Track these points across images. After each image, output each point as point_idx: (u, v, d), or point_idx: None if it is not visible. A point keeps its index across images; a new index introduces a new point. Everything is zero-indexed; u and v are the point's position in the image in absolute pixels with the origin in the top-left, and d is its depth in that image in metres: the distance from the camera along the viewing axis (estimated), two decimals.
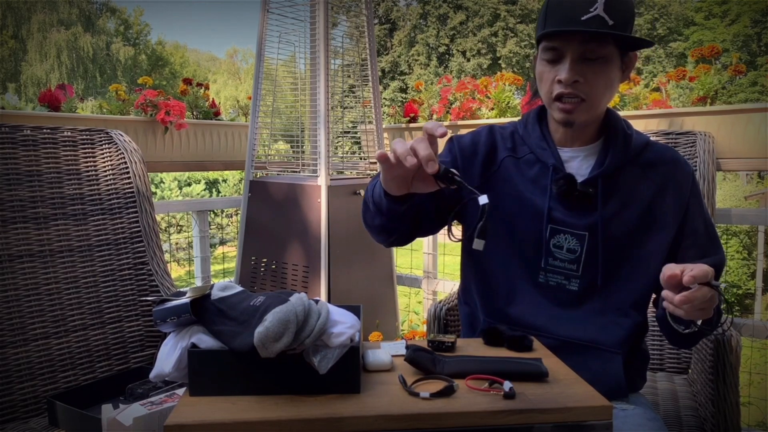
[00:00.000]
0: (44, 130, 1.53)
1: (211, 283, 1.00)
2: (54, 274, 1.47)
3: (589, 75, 1.05)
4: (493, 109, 2.43)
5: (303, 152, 2.47)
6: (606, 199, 1.10)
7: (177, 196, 12.26)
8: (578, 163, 1.14)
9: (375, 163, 2.53)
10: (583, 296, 1.12)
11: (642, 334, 1.17)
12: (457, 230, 1.12)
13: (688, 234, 1.12)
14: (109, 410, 1.04)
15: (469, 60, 25.54)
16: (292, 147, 2.68)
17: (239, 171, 2.95)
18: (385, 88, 24.37)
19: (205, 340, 0.87)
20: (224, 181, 13.92)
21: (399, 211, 1.02)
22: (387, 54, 26.40)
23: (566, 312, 1.12)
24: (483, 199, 0.80)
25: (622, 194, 1.11)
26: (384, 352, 0.96)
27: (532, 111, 1.20)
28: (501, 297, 1.16)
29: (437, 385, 0.84)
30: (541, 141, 1.15)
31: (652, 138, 1.21)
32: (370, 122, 2.55)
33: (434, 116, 2.59)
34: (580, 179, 1.11)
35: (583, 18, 1.01)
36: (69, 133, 1.58)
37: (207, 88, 2.75)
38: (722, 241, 1.17)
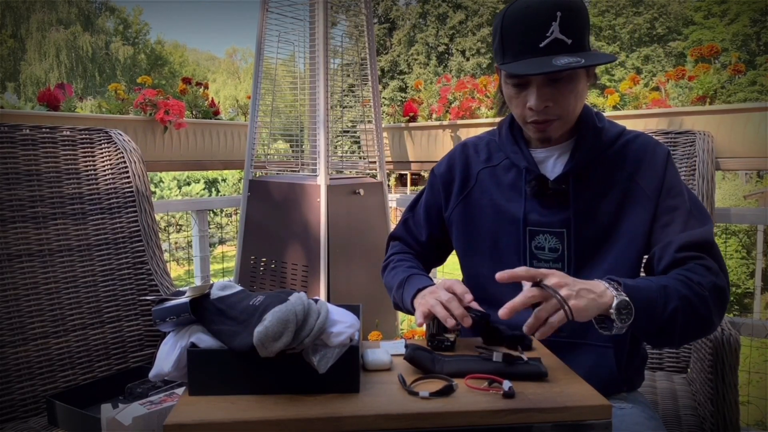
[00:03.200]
0: (43, 130, 1.53)
1: (211, 282, 1.00)
2: (53, 273, 1.47)
3: (558, 96, 1.05)
4: (492, 108, 2.43)
5: (302, 151, 2.47)
6: (579, 194, 1.11)
7: (176, 195, 12.26)
8: (552, 162, 1.14)
9: (374, 162, 2.53)
10: None
11: None
12: None
13: (667, 210, 1.08)
14: (108, 410, 1.04)
15: (468, 59, 25.54)
16: (291, 146, 2.67)
17: (239, 170, 2.94)
18: (384, 88, 24.37)
19: (205, 340, 0.87)
20: (223, 180, 13.93)
21: None
22: (386, 53, 26.40)
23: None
24: None
25: (596, 186, 1.11)
26: (383, 351, 0.96)
27: (506, 118, 1.22)
28: (493, 307, 1.17)
29: (437, 385, 0.84)
30: (514, 145, 1.17)
31: (630, 129, 1.20)
32: (369, 121, 2.55)
33: (434, 115, 2.59)
34: (553, 177, 1.12)
35: (541, 44, 1.00)
36: (68, 133, 1.58)
37: (206, 87, 2.75)
38: (721, 241, 1.15)
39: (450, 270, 3.11)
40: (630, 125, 1.21)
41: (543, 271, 0.91)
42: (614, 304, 0.90)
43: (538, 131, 1.10)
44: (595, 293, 0.90)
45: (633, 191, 1.10)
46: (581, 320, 0.90)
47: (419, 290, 1.11)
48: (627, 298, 0.91)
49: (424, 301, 1.04)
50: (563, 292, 0.89)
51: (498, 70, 1.13)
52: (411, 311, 1.13)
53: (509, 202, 1.15)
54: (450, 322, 0.97)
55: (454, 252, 1.30)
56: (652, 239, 1.08)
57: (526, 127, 1.12)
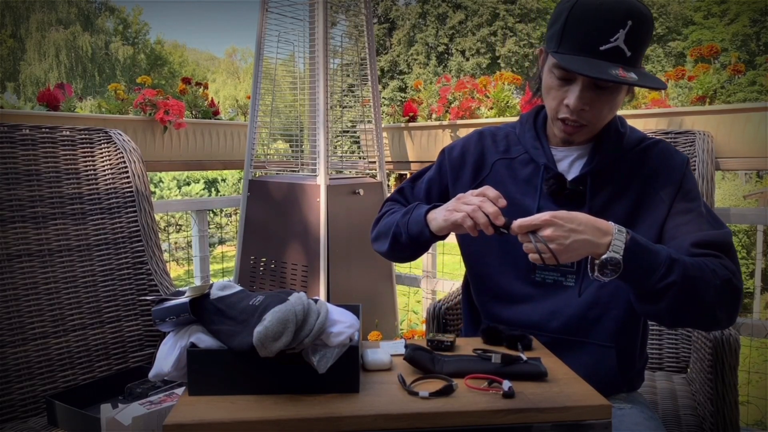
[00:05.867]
0: (43, 130, 1.53)
1: (210, 282, 1.00)
2: (53, 273, 1.47)
3: (597, 103, 1.03)
4: (492, 108, 2.43)
5: (302, 151, 2.47)
6: (594, 195, 1.10)
7: (176, 195, 12.26)
8: (571, 162, 1.14)
9: (374, 162, 2.53)
10: (580, 291, 1.12)
11: (638, 328, 1.16)
12: None
13: (682, 212, 1.07)
14: (108, 410, 1.04)
15: (468, 59, 25.54)
16: (291, 146, 2.68)
17: (238, 170, 2.95)
18: (384, 88, 24.36)
19: (204, 340, 0.87)
20: (223, 180, 13.91)
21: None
22: (386, 53, 26.39)
23: (563, 308, 1.12)
24: None
25: (612, 188, 1.11)
26: (383, 351, 0.96)
27: (529, 112, 1.21)
28: (498, 300, 1.17)
29: (436, 385, 0.84)
30: (535, 141, 1.16)
31: (650, 135, 1.20)
32: (369, 121, 2.55)
33: (433, 115, 2.59)
34: (571, 177, 1.11)
35: (601, 48, 0.97)
36: (68, 133, 1.58)
37: (206, 87, 2.75)
38: None
39: (450, 270, 3.11)
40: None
41: (539, 222, 0.90)
42: (601, 259, 0.90)
43: (564, 131, 1.08)
44: (591, 244, 0.90)
45: (648, 197, 1.10)
46: (565, 262, 0.91)
47: (435, 206, 1.07)
48: (620, 258, 0.90)
49: (455, 206, 1.00)
50: (552, 245, 0.89)
51: (542, 54, 1.10)
52: (423, 231, 1.08)
53: (524, 196, 1.15)
54: (501, 220, 0.94)
55: (452, 251, 1.29)
56: (665, 238, 1.07)
57: (554, 123, 1.10)
